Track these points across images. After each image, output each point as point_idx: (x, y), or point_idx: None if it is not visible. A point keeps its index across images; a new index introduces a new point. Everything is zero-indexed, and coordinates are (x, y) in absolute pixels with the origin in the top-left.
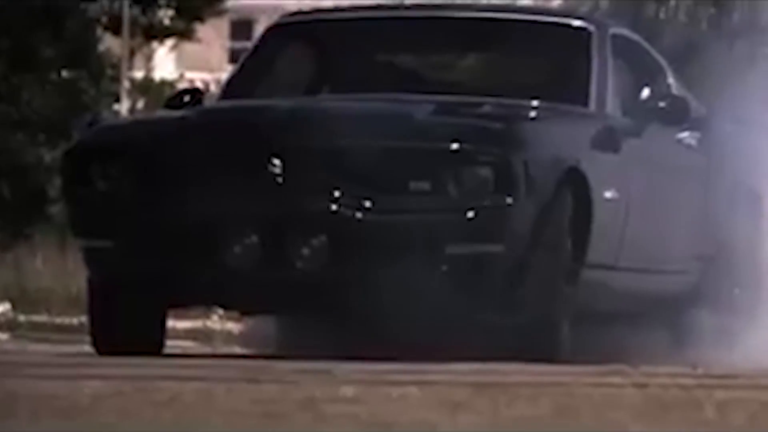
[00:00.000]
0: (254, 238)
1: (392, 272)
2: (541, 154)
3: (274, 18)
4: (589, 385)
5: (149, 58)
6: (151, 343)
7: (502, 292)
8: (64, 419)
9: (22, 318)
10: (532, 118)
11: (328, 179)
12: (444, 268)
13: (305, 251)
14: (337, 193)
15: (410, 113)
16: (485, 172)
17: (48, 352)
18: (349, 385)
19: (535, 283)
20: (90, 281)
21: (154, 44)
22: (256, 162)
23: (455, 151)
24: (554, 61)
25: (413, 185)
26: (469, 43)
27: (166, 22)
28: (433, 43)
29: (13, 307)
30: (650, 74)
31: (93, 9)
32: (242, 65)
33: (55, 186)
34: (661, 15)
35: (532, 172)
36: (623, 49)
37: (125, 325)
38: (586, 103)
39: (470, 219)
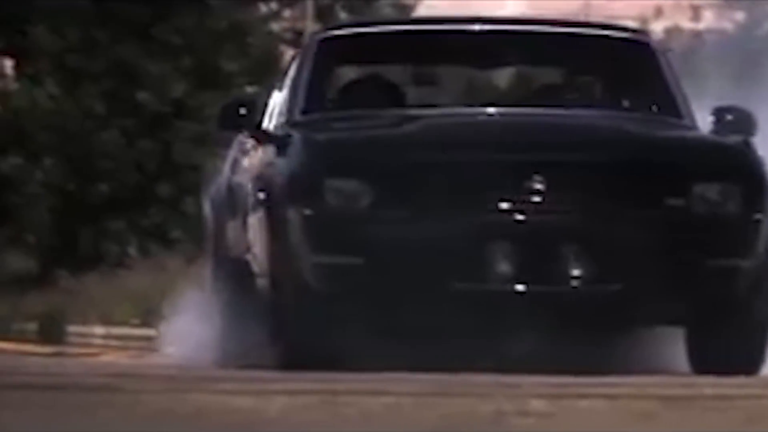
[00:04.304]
0: (517, 257)
1: (653, 286)
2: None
3: None
4: None
5: None
6: (341, 357)
7: (743, 306)
8: None
9: None
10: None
11: (585, 195)
12: (704, 281)
13: (569, 269)
14: (594, 208)
15: (657, 130)
16: (740, 188)
17: (235, 367)
18: (538, 399)
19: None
20: (288, 294)
21: None
22: (516, 179)
23: (712, 167)
24: (627, 74)
25: (669, 201)
26: (538, 56)
27: None
28: (495, 56)
29: None
30: None
31: (276, 25)
32: (311, 77)
33: None
34: None
35: None
36: None
37: (330, 340)
38: (680, 116)
39: (727, 234)
